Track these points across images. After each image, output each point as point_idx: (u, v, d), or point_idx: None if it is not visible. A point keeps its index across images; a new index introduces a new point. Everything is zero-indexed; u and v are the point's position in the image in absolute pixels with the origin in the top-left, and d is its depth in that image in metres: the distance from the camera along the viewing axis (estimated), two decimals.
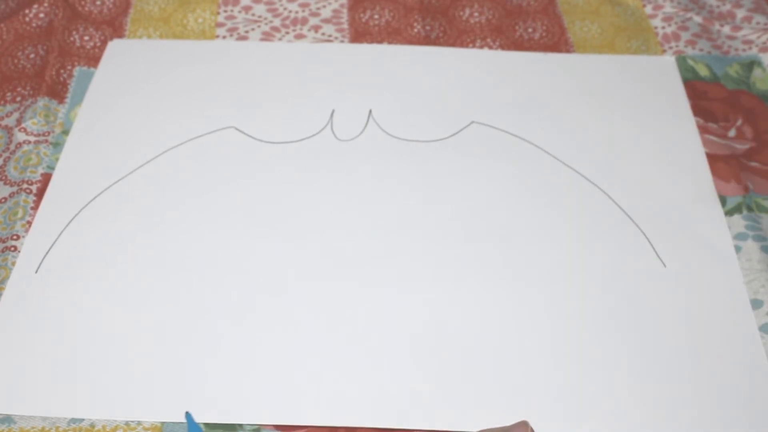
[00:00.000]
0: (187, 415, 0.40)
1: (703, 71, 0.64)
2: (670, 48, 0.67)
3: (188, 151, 0.57)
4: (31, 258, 0.51)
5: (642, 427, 0.44)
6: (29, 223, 0.53)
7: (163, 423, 0.44)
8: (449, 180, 0.56)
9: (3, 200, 0.54)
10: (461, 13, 0.69)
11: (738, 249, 0.52)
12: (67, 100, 0.61)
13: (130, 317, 0.48)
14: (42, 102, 0.59)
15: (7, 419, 0.44)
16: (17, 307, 0.48)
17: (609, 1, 0.70)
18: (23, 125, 0.58)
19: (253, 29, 0.67)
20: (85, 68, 0.63)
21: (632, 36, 0.68)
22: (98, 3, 0.68)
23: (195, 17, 0.68)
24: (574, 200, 0.55)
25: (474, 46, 0.67)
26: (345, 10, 0.69)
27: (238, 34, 0.67)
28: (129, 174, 0.56)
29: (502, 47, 0.67)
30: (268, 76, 0.63)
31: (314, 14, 0.69)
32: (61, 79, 0.62)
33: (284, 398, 0.45)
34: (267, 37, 0.67)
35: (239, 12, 0.68)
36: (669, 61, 0.65)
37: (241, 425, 0.44)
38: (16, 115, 0.59)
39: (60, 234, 0.52)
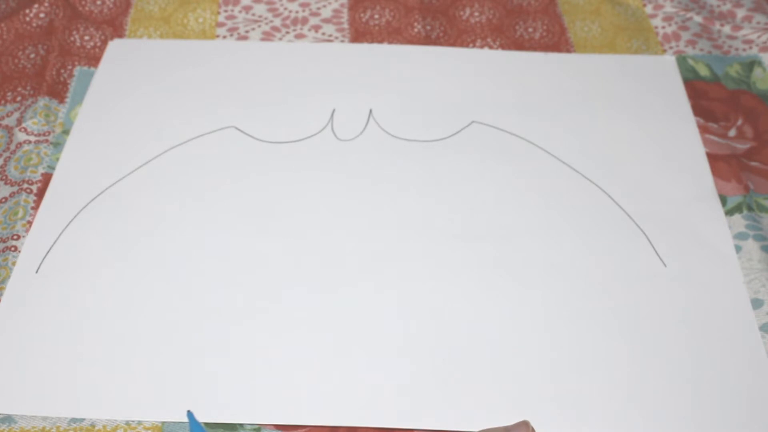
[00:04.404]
0: (189, 414, 0.40)
1: (704, 71, 0.64)
2: (671, 48, 0.67)
3: (188, 150, 0.57)
4: (32, 258, 0.51)
5: (642, 427, 0.44)
6: (30, 223, 0.53)
7: (163, 423, 0.44)
8: (449, 180, 0.56)
9: (3, 200, 0.54)
10: (461, 13, 0.69)
11: (738, 249, 0.52)
12: (68, 100, 0.61)
13: (130, 317, 0.48)
14: (42, 102, 0.59)
15: (8, 419, 0.44)
16: (17, 307, 0.48)
17: (609, 0, 0.70)
18: (24, 125, 0.58)
19: (253, 29, 0.67)
20: (85, 68, 0.63)
21: (633, 36, 0.68)
22: (99, 3, 0.68)
23: (195, 17, 0.68)
24: (575, 200, 0.55)
25: (474, 46, 0.67)
26: (345, 10, 0.69)
27: (239, 33, 0.67)
28: (129, 174, 0.56)
29: (503, 47, 0.67)
30: (268, 76, 0.63)
31: (314, 14, 0.69)
32: (62, 78, 0.62)
33: (284, 398, 0.45)
34: (267, 37, 0.67)
35: (239, 12, 0.68)
36: (669, 60, 0.65)
37: (241, 425, 0.44)
38: (16, 114, 0.59)
39: (60, 234, 0.52)
